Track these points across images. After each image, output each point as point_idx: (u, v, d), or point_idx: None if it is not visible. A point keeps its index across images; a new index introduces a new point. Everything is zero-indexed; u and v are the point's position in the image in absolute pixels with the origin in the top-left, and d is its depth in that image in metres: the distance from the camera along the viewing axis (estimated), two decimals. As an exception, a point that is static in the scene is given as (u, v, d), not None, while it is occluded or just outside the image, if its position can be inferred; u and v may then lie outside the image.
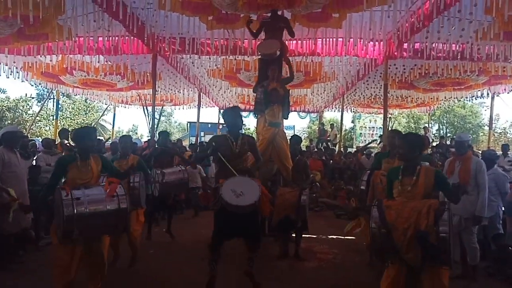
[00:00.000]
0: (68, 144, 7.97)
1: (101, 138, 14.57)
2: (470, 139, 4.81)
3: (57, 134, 10.01)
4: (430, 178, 2.84)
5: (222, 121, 18.57)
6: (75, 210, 2.82)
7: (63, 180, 3.19)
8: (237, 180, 3.47)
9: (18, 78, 9.31)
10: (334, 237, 6.29)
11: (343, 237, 6.26)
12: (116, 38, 7.33)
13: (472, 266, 4.27)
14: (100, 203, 2.95)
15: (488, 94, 11.35)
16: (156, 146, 6.30)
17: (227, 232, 3.59)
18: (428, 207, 2.63)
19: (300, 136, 7.36)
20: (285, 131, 6.08)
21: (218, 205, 3.47)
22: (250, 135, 4.71)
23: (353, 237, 6.09)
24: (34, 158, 6.37)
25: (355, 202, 5.42)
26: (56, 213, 3.02)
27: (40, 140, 8.68)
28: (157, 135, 6.71)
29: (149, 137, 10.80)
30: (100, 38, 6.92)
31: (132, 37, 7.28)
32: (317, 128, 18.54)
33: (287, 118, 5.84)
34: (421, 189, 2.82)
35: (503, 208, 4.92)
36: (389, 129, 9.52)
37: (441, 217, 2.59)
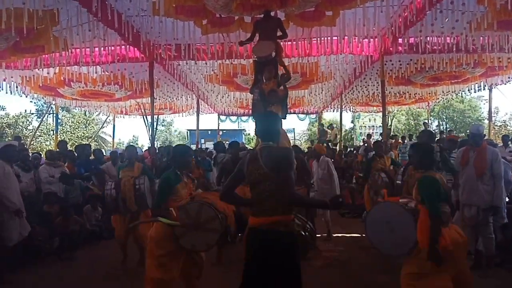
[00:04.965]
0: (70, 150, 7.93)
1: (101, 149, 14.54)
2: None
3: (56, 146, 10.03)
4: None
5: (222, 127, 18.68)
6: None
7: None
8: None
9: (17, 93, 9.36)
10: (339, 235, 6.25)
11: (348, 235, 6.24)
12: (112, 47, 7.37)
13: (487, 256, 4.24)
14: None
15: (485, 86, 11.34)
16: (164, 159, 6.45)
17: None
18: None
19: (300, 139, 7.41)
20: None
21: None
22: None
23: (358, 235, 6.08)
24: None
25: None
26: None
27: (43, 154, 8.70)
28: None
29: (150, 146, 10.80)
30: (96, 48, 6.96)
31: (128, 45, 7.32)
32: (317, 129, 18.51)
33: (285, 118, 5.83)
34: None
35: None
36: (388, 126, 9.52)
37: None
